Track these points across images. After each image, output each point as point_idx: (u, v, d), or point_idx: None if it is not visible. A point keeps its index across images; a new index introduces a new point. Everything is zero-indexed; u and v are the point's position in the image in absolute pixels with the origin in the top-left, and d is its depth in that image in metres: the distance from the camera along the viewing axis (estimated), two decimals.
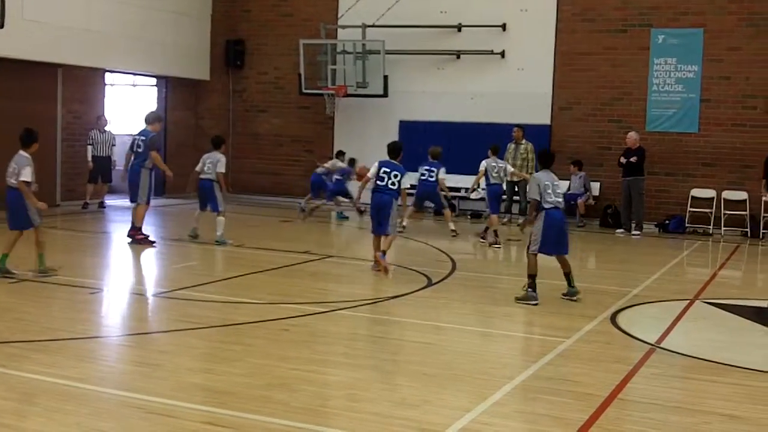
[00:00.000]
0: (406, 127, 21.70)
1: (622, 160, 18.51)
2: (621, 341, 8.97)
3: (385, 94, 21.19)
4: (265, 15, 23.28)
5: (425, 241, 16.04)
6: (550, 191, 10.54)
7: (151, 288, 11.45)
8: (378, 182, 12.25)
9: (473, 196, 20.02)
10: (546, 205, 10.51)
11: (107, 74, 21.59)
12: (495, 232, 15.83)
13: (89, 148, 19.49)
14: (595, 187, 19.79)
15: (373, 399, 6.64)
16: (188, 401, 6.40)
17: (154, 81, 23.51)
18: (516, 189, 19.36)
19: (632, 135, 18.68)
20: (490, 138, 19.61)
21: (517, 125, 19.35)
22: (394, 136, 21.61)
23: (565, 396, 6.90)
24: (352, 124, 22.21)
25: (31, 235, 11.40)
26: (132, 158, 14.56)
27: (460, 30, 21.14)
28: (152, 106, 23.44)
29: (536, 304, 10.37)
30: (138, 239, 14.33)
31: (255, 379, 7.04)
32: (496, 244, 15.67)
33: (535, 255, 10.56)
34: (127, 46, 20.56)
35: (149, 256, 14.11)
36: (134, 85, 25.14)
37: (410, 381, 7.20)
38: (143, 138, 14.41)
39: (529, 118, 20.04)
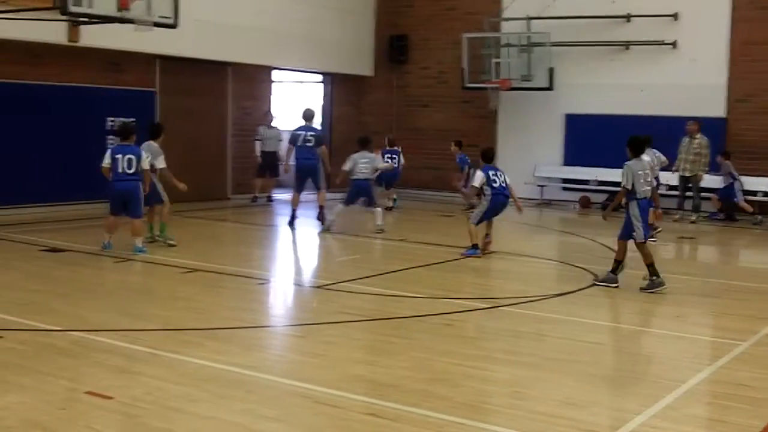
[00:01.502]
0: (571, 120, 21.29)
1: None
2: None
3: (550, 87, 20.84)
4: (429, 9, 23.30)
5: (592, 237, 15.65)
6: (642, 180, 10.50)
7: (315, 280, 11.63)
8: (493, 186, 12.83)
9: None
10: (638, 195, 10.48)
11: (274, 71, 22.10)
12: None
13: (257, 143, 20.01)
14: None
15: (537, 397, 6.50)
16: (351, 392, 6.44)
17: (319, 77, 23.92)
18: (689, 185, 18.61)
19: None
20: (659, 131, 18.98)
21: (693, 118, 18.56)
22: (560, 130, 21.35)
23: (741, 401, 6.56)
24: (515, 118, 21.96)
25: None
26: (294, 152, 15.54)
27: (629, 20, 20.55)
28: (317, 102, 23.91)
29: (616, 287, 10.54)
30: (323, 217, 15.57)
31: (417, 373, 7.02)
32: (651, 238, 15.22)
33: (644, 242, 10.60)
34: (293, 43, 20.98)
35: (314, 248, 14.38)
36: (301, 82, 25.66)
37: (576, 381, 7.01)
38: (313, 133, 15.27)
39: (702, 111, 19.20)
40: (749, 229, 17.66)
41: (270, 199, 20.31)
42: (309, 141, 15.39)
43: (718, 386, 7.00)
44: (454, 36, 22.11)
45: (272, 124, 20.45)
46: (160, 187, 12.78)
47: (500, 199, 12.95)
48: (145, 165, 12.13)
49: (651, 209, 11.05)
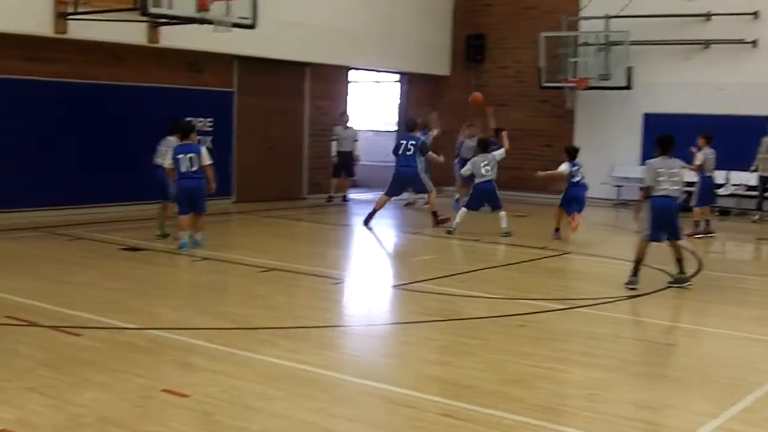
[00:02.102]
0: (650, 120, 20.94)
1: None
2: None
3: (628, 86, 20.56)
4: (506, 8, 23.16)
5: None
6: (663, 179, 10.39)
7: (390, 279, 11.66)
8: (573, 179, 14.34)
9: (723, 192, 19.07)
10: (654, 193, 10.42)
11: (351, 71, 22.20)
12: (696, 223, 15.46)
13: (333, 143, 20.11)
14: None
15: (613, 400, 6.41)
16: (426, 392, 6.43)
17: (396, 77, 23.95)
18: (767, 185, 18.17)
19: None
20: (740, 131, 18.61)
21: None
22: (638, 130, 21.05)
23: None
24: (593, 117, 21.70)
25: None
26: (400, 162, 15.81)
27: (708, 18, 20.15)
28: (394, 102, 23.95)
29: (633, 289, 10.35)
30: (439, 220, 15.67)
31: (491, 374, 6.99)
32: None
33: (645, 242, 10.53)
34: (370, 43, 21.05)
35: (389, 248, 14.41)
36: (378, 82, 25.73)
37: (653, 383, 6.91)
38: (414, 142, 15.62)
39: None
40: None
41: (345, 199, 20.42)
42: (409, 150, 15.56)
43: None
44: (532, 35, 21.93)
45: (348, 124, 20.53)
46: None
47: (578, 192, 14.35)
48: (206, 161, 12.41)
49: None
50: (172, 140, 12.82)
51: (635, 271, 10.50)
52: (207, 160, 12.42)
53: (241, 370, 6.83)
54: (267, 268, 11.29)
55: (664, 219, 10.47)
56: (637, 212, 11.89)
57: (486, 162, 14.84)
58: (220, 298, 9.90)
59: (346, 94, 22.00)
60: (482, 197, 14.93)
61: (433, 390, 6.56)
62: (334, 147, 20.08)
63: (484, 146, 15.26)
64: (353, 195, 20.75)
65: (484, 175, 14.80)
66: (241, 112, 18.80)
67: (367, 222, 15.60)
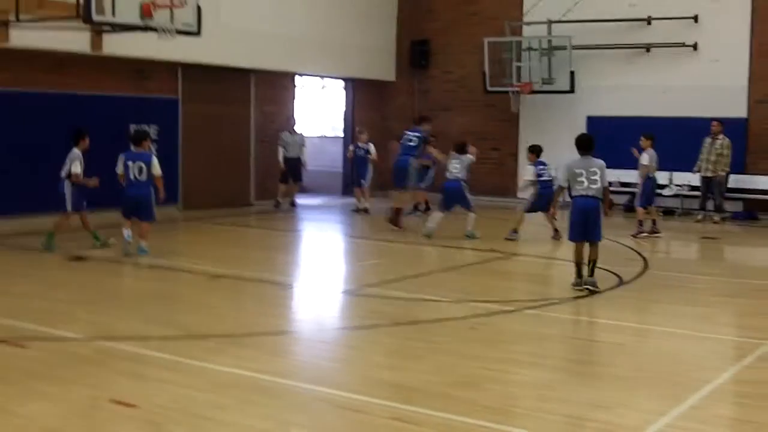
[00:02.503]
0: (594, 122, 21.18)
1: None
2: None
3: (571, 90, 20.79)
4: (450, 14, 23.28)
5: (615, 239, 15.59)
6: (582, 179, 10.44)
7: (339, 284, 11.66)
8: (541, 179, 14.92)
9: (666, 192, 19.40)
10: (574, 193, 10.52)
11: (297, 77, 22.16)
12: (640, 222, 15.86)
13: (280, 149, 20.05)
14: None
15: (563, 399, 6.49)
16: (376, 397, 6.44)
17: (341, 83, 23.97)
18: (709, 185, 18.52)
19: None
20: (682, 133, 18.95)
21: (716, 119, 18.47)
22: (581, 132, 21.23)
23: (766, 400, 6.52)
24: (538, 120, 21.90)
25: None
26: (401, 151, 16.46)
27: (649, 23, 20.45)
28: (340, 107, 23.96)
29: (579, 290, 10.40)
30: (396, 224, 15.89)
31: (441, 377, 7.02)
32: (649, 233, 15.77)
33: (574, 242, 10.69)
34: (315, 49, 21.02)
35: (338, 253, 14.41)
36: (323, 87, 25.73)
37: (602, 382, 7.01)
38: (417, 135, 16.28)
39: (723, 112, 19.09)
40: None
41: (293, 204, 20.36)
42: (411, 141, 16.35)
43: (744, 386, 6.97)
44: (476, 40, 22.08)
45: (294, 129, 20.49)
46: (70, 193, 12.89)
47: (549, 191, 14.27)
48: (156, 171, 12.43)
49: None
50: (76, 151, 12.78)
51: (578, 273, 10.60)
52: (156, 170, 12.42)
53: (190, 379, 6.79)
54: (215, 276, 11.22)
55: (584, 219, 10.48)
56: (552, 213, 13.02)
57: (457, 161, 14.99)
58: (168, 306, 9.79)
59: (293, 100, 21.96)
60: (450, 197, 14.97)
61: (383, 394, 6.57)
62: (281, 153, 20.02)
63: (460, 149, 15.33)
64: (301, 200, 20.69)
65: (451, 172, 14.92)
66: (186, 119, 18.66)
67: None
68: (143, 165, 12.37)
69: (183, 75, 18.59)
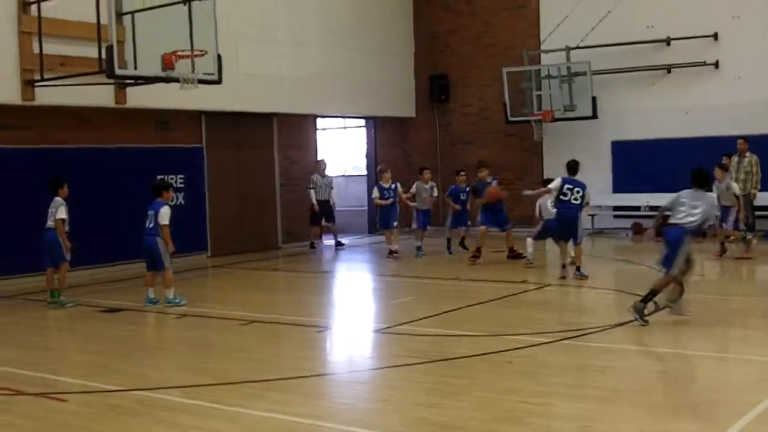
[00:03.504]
0: (618, 147, 21.15)
1: None
2: None
3: (594, 116, 20.75)
4: (467, 47, 23.38)
5: (648, 264, 15.44)
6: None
7: (372, 324, 11.61)
8: (563, 198, 13.56)
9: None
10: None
11: (318, 118, 22.26)
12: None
13: (312, 191, 20.06)
14: None
15: (605, 431, 6.38)
16: None
17: (362, 122, 24.06)
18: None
19: None
20: (709, 152, 18.77)
21: (742, 137, 18.33)
22: (607, 158, 21.23)
23: None
24: (561, 148, 21.81)
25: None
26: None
27: (669, 44, 20.43)
28: (362, 146, 24.03)
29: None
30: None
31: (482, 413, 6.94)
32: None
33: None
34: (335, 90, 21.13)
35: (369, 292, 14.38)
36: (344, 128, 25.83)
37: (645, 411, 6.89)
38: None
39: (748, 129, 18.96)
40: None
41: (340, 244, 20.23)
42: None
43: None
44: (495, 72, 22.14)
45: (325, 171, 20.52)
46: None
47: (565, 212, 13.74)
48: (161, 220, 12.33)
49: None
50: (59, 200, 12.79)
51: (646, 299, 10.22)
52: (162, 219, 12.35)
53: (229, 426, 6.76)
54: (247, 321, 11.20)
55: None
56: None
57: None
58: (202, 353, 9.79)
59: (315, 142, 22.05)
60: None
61: None
62: (313, 195, 20.04)
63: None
64: (328, 241, 20.66)
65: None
66: (211, 167, 18.78)
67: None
68: (152, 214, 12.43)
69: (206, 123, 18.76)
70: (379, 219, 18.46)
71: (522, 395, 7.41)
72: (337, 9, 21.40)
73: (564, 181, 13.64)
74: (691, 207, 10.22)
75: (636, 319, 9.97)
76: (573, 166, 13.98)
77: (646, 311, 9.99)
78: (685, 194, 10.39)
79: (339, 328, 11.40)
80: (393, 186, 17.96)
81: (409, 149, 24.18)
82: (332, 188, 20.36)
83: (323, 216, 20.14)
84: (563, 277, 13.69)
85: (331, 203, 20.26)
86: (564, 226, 13.69)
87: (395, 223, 18.03)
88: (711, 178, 10.85)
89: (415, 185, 18.11)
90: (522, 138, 22.31)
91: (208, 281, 16.16)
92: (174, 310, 12.11)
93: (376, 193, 18.00)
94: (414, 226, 18.13)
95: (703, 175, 10.62)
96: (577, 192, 13.49)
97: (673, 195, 10.54)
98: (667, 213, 10.46)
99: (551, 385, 7.83)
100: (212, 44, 13.64)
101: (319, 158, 21.14)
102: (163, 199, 12.66)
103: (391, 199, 17.70)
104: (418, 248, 17.62)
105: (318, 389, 8.13)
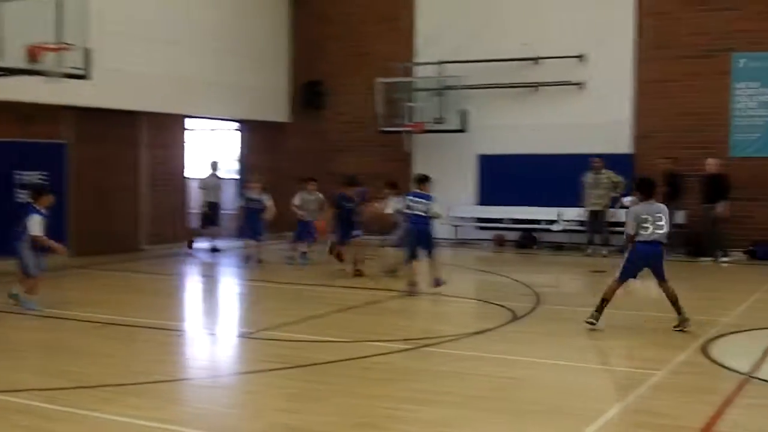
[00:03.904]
0: (484, 160, 21.62)
1: None
2: (713, 372, 8.72)
3: (463, 129, 21.16)
4: (342, 56, 23.50)
5: (508, 274, 15.85)
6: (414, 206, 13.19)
7: (235, 328, 11.52)
8: (408, 211, 13.64)
9: (555, 228, 19.88)
10: (638, 238, 10.59)
11: (188, 119, 21.95)
12: None
13: (201, 192, 19.78)
14: (680, 215, 19.26)
15: None
16: None
17: (235, 125, 23.87)
18: (597, 219, 19.06)
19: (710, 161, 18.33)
20: (570, 169, 19.47)
21: (598, 155, 19.11)
22: (473, 171, 21.65)
23: (660, 429, 6.71)
24: (430, 159, 22.15)
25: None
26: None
27: (537, 62, 21.03)
28: (234, 149, 23.83)
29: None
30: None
31: (342, 418, 7.00)
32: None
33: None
34: (207, 91, 20.92)
35: (233, 296, 14.26)
36: (214, 130, 25.54)
37: (500, 417, 7.08)
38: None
39: (610, 148, 19.76)
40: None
41: (215, 249, 19.85)
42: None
43: (637, 416, 7.14)
44: (369, 81, 22.30)
45: (216, 173, 20.21)
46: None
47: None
48: (31, 230, 11.68)
49: None
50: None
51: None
52: (31, 229, 11.68)
53: (83, 431, 6.60)
54: (107, 323, 10.96)
55: (417, 238, 13.01)
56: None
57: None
58: (59, 356, 9.52)
59: (184, 143, 21.71)
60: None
61: None
62: (202, 196, 19.73)
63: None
64: (196, 244, 20.37)
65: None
66: (75, 164, 18.26)
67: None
68: (25, 219, 11.79)
69: (71, 119, 18.23)
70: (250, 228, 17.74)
71: (382, 401, 7.50)
72: (212, 10, 21.22)
73: (409, 195, 13.81)
74: (655, 219, 10.45)
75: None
76: (421, 180, 13.90)
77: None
78: (641, 209, 10.58)
79: (201, 333, 11.28)
80: (261, 197, 17.56)
81: (281, 154, 24.11)
82: (221, 190, 20.07)
83: (210, 219, 19.85)
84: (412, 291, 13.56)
85: (219, 205, 19.95)
86: (416, 240, 13.49)
87: (260, 237, 17.63)
88: (654, 186, 10.95)
89: (299, 195, 17.63)
90: (393, 148, 22.55)
91: (66, 282, 15.67)
92: (32, 312, 11.72)
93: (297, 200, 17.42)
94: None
95: (650, 183, 10.87)
96: (423, 205, 13.39)
97: (629, 215, 10.70)
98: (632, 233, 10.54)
99: (410, 390, 7.95)
100: (81, 38, 13.31)
101: (213, 160, 20.86)
102: (39, 204, 11.91)
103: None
104: (304, 254, 17.31)
105: (176, 394, 8.02)
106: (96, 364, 9.00)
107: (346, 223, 15.85)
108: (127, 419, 6.87)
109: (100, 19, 16.55)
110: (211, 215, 19.87)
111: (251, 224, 17.66)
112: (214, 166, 20.49)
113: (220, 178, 20.35)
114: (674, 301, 10.61)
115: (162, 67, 19.56)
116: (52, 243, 11.90)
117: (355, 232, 15.87)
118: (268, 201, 17.68)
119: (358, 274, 15.36)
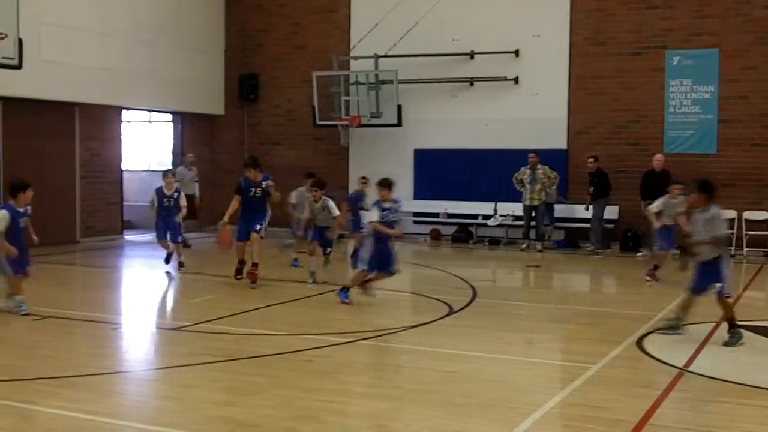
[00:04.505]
0: (420, 155, 21.74)
1: None
2: (648, 365, 8.90)
3: (399, 124, 21.22)
4: (278, 48, 23.42)
5: (444, 268, 15.97)
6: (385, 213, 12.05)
7: (171, 322, 11.44)
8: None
9: (491, 222, 20.07)
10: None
11: (124, 111, 21.69)
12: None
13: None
14: (614, 211, 19.62)
15: (400, 429, 6.60)
16: None
17: (169, 117, 23.65)
18: (533, 214, 19.27)
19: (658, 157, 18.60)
20: (505, 164, 19.69)
21: (533, 151, 19.33)
22: (409, 165, 21.74)
23: (596, 423, 6.83)
24: (366, 154, 22.24)
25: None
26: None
27: (473, 57, 21.19)
28: (168, 142, 23.62)
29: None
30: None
31: (280, 411, 7.00)
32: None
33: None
34: (142, 83, 20.71)
35: (169, 290, 14.15)
36: (150, 122, 25.27)
37: (437, 410, 7.14)
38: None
39: (545, 144, 20.02)
40: (593, 256, 18.35)
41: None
42: None
43: (573, 409, 7.26)
44: (304, 74, 22.27)
45: (190, 164, 19.90)
46: None
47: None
48: None
49: None
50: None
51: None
52: None
53: (19, 424, 6.53)
54: (41, 316, 10.80)
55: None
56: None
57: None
58: None
59: (120, 134, 21.44)
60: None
61: (222, 431, 6.50)
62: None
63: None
64: (129, 237, 20.14)
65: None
66: (7, 156, 17.93)
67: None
68: None
69: (4, 109, 17.89)
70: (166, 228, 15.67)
71: (320, 394, 7.52)
72: (148, 2, 21.01)
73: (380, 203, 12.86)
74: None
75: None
76: (390, 184, 12.64)
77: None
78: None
79: (135, 326, 11.17)
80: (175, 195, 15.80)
81: (216, 147, 23.97)
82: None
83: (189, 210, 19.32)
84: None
85: (196, 197, 19.31)
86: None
87: (180, 239, 15.81)
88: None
89: (295, 193, 16.47)
90: (329, 142, 22.54)
91: None
92: None
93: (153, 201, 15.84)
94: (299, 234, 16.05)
95: (713, 186, 9.90)
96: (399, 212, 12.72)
97: (719, 219, 9.84)
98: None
99: (349, 383, 7.99)
100: (13, 27, 13.09)
101: (187, 152, 20.62)
102: (16, 202, 11.05)
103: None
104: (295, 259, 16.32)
105: (112, 387, 7.94)
106: (31, 357, 8.88)
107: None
108: (63, 412, 6.79)
109: (34, 9, 16.32)
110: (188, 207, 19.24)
111: (170, 224, 15.73)
112: (188, 158, 20.14)
113: (194, 170, 19.85)
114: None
115: (96, 58, 19.32)
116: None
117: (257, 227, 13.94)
118: (182, 202, 15.89)
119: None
